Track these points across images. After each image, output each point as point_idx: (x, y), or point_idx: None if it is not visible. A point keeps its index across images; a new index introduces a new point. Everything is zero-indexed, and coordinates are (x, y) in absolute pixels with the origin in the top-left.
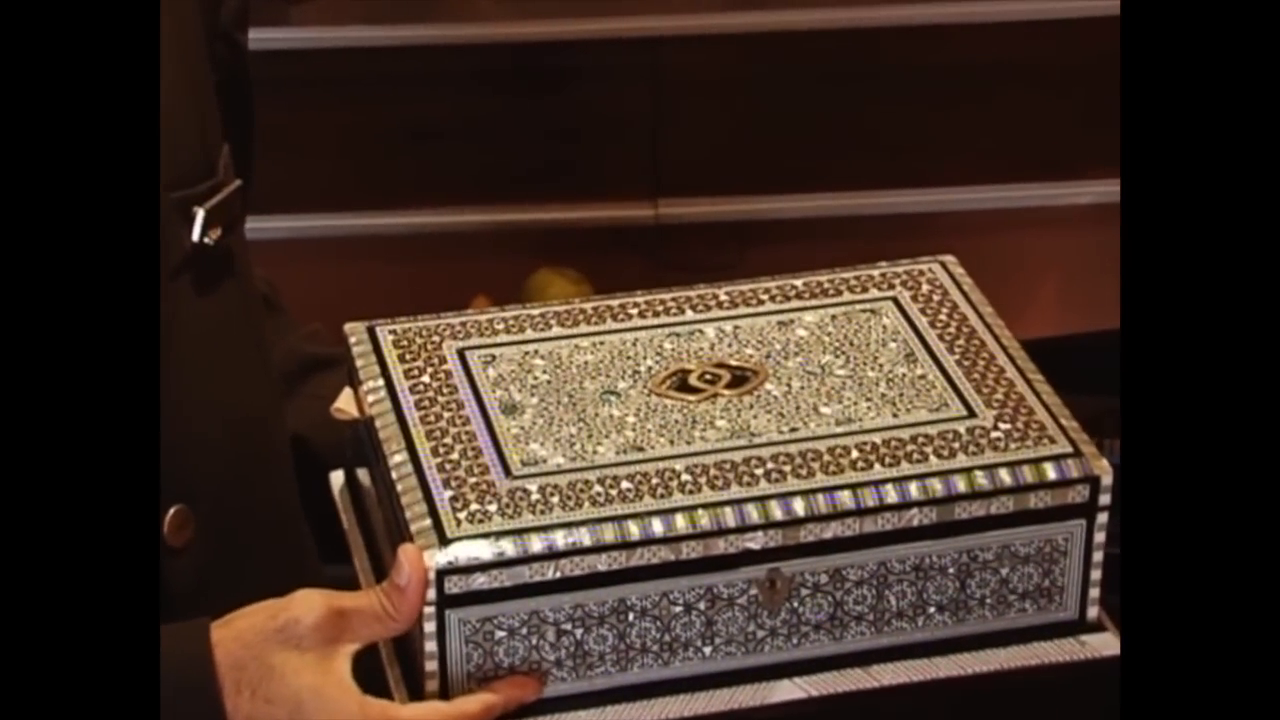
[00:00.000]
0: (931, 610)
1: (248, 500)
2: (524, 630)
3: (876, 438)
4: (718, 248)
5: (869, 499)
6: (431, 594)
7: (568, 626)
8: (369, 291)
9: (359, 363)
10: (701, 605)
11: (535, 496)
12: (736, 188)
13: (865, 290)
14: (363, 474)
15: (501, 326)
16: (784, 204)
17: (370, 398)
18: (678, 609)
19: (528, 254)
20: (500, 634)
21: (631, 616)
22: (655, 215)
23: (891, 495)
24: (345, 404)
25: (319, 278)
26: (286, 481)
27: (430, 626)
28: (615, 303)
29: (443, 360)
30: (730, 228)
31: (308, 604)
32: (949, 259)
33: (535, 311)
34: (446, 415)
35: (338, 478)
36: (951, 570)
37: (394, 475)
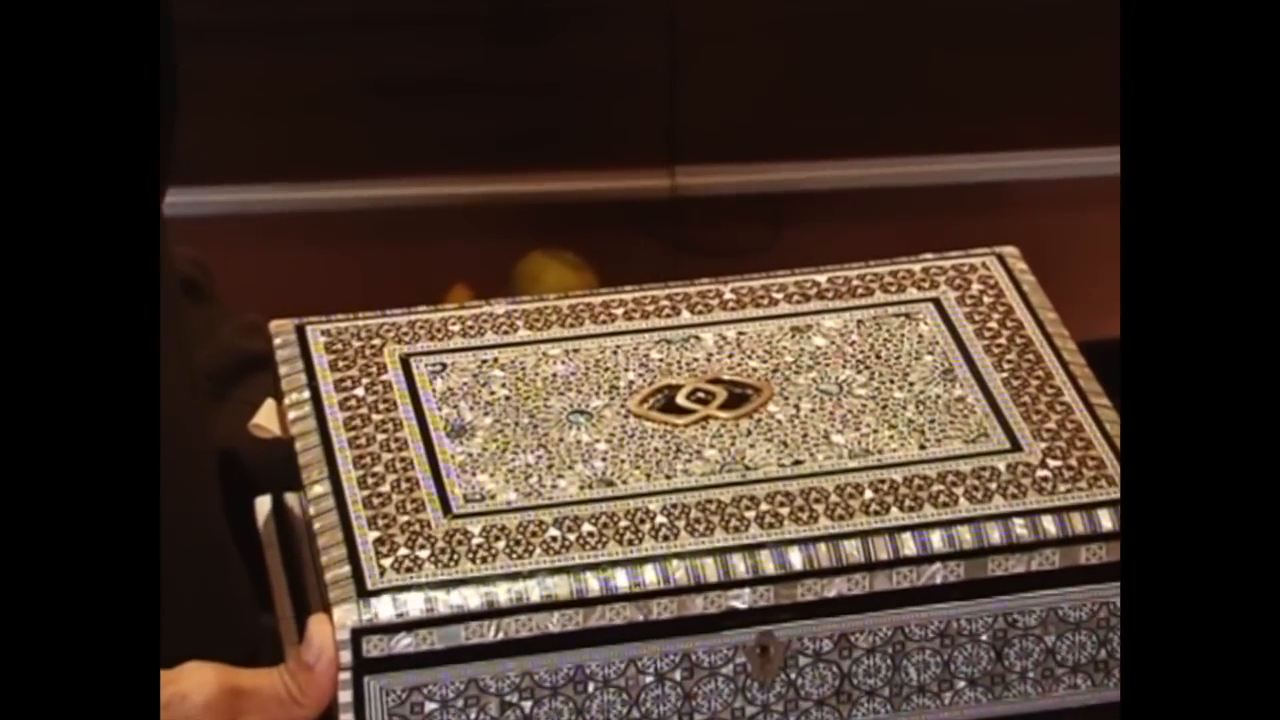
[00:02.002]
0: (960, 685)
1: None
2: (460, 703)
3: (896, 474)
4: (746, 227)
5: (882, 550)
6: (347, 657)
7: (513, 699)
8: (321, 279)
9: (282, 370)
10: (677, 675)
11: (477, 540)
12: (767, 154)
13: (902, 289)
14: (293, 500)
15: (457, 328)
16: (825, 173)
17: (293, 413)
18: (648, 679)
19: (517, 234)
20: (431, 706)
21: (591, 688)
22: (671, 187)
23: (910, 546)
24: (266, 419)
25: (261, 261)
26: (209, 506)
27: (346, 696)
28: (597, 300)
29: (382, 368)
30: (761, 202)
31: (198, 679)
32: (1009, 251)
33: (499, 310)
34: (380, 437)
35: (264, 505)
36: (985, 638)
37: (312, 510)
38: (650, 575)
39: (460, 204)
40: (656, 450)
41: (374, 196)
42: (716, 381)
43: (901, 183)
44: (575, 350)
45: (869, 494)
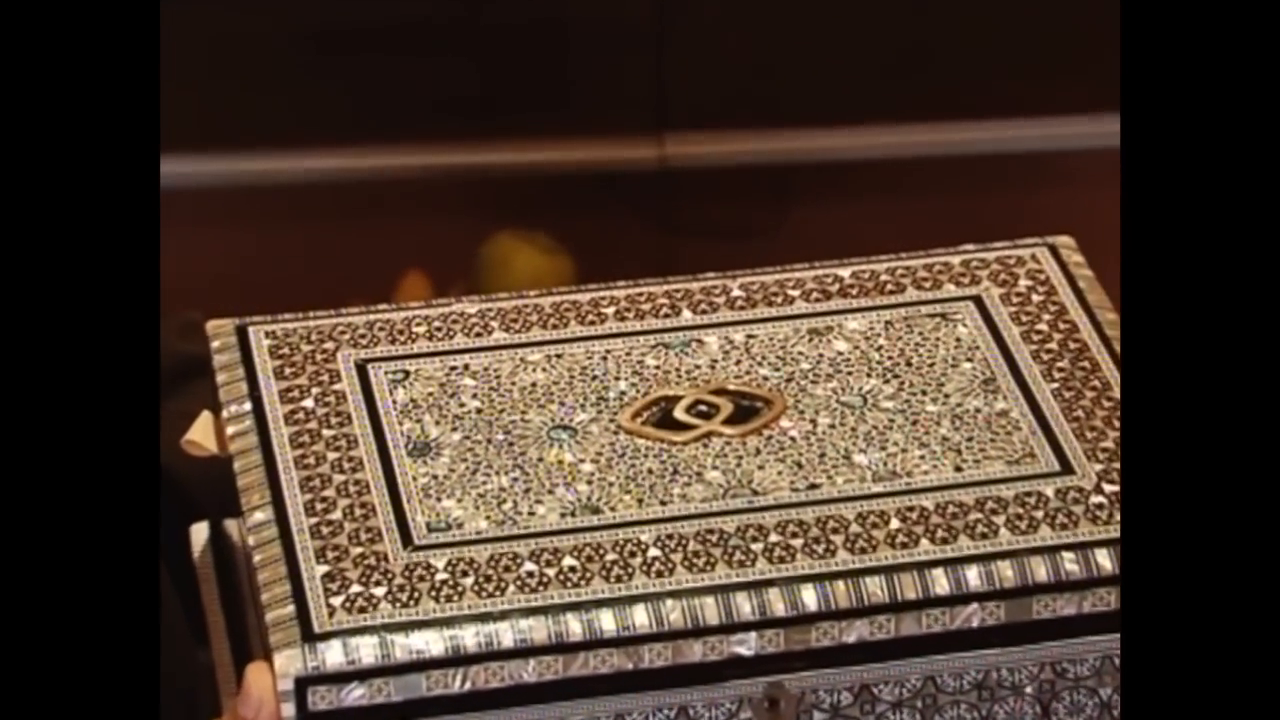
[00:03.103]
0: None
1: None
2: None
3: (928, 500)
4: (748, 205)
5: (910, 588)
6: (290, 710)
7: None
8: (253, 266)
9: (221, 378)
10: None
11: (442, 576)
12: (773, 119)
13: (937, 285)
14: (232, 527)
15: (422, 330)
16: (841, 141)
17: (232, 427)
18: None
19: (482, 214)
20: None
21: None
22: (661, 158)
23: (942, 584)
24: (202, 434)
25: (185, 246)
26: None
27: None
28: (584, 298)
29: (335, 376)
30: (765, 176)
31: None
32: (1063, 241)
33: (471, 309)
34: (332, 456)
35: (200, 532)
36: (1030, 690)
37: (252, 540)
38: (641, 616)
39: (414, 177)
40: (650, 472)
41: (316, 169)
42: (721, 392)
43: (934, 153)
44: (558, 356)
45: (895, 523)
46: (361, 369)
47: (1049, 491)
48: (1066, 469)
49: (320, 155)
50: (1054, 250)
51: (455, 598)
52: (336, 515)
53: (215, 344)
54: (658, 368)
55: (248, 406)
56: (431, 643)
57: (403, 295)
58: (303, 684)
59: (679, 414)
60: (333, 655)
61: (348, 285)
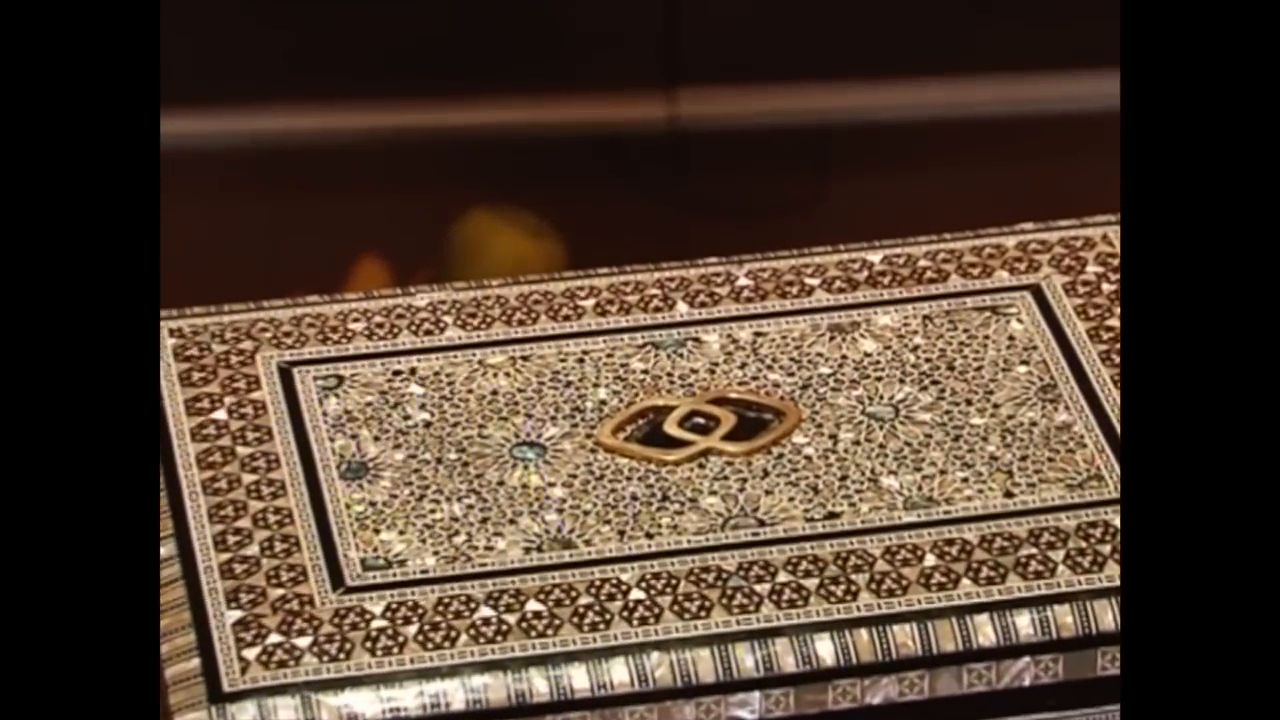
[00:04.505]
0: None
1: None
2: None
3: (971, 533)
4: (779, 176)
5: (949, 639)
6: None
7: None
8: (171, 248)
9: None
10: None
11: (379, 624)
12: (807, 70)
13: (987, 272)
14: None
15: (360, 326)
16: (888, 98)
17: None
18: None
19: (453, 186)
20: None
21: None
22: (672, 118)
23: (988, 633)
24: None
25: None
26: None
27: None
28: (558, 287)
29: (253, 383)
30: (797, 140)
31: None
32: None
33: (420, 301)
34: (248, 479)
35: None
36: None
37: None
38: (620, 673)
39: (369, 142)
40: (635, 498)
41: (241, 131)
42: (722, 402)
43: (993, 111)
44: (524, 358)
45: (931, 559)
46: (286, 374)
47: (1118, 522)
48: None
49: (252, 115)
50: None
51: (395, 650)
52: (253, 550)
53: None
54: (645, 372)
55: None
56: (366, 704)
57: (356, 288)
58: None
59: (670, 428)
60: (245, 718)
61: (284, 274)
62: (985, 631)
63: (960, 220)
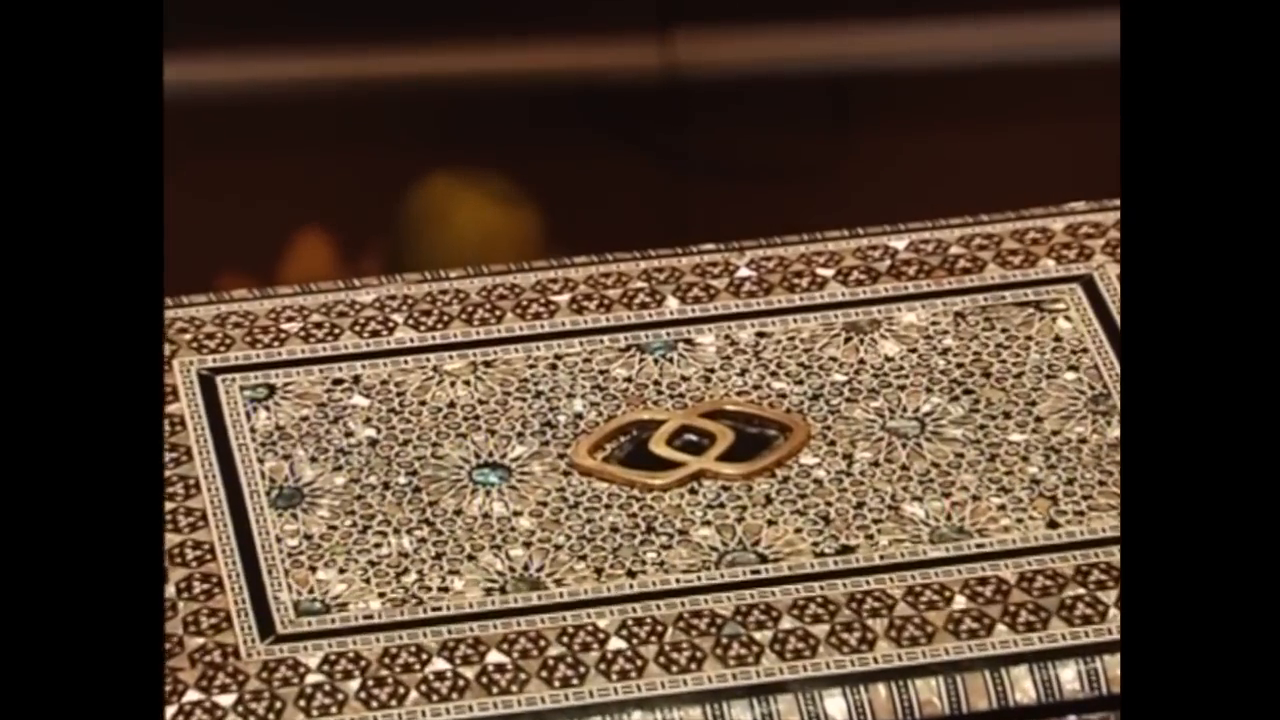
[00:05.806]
0: None
1: None
2: None
3: (1008, 570)
4: (791, 132)
5: (980, 694)
6: None
7: None
8: None
9: None
10: None
11: (315, 678)
12: (825, 8)
13: (1030, 260)
14: None
15: (294, 326)
16: (914, 41)
17: None
18: None
19: (411, 146)
20: None
21: None
22: (668, 65)
23: (1027, 687)
24: None
25: None
26: None
27: None
28: (526, 280)
29: (170, 393)
30: (815, 90)
31: None
32: None
33: (365, 296)
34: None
35: None
36: None
37: None
38: None
39: (317, 94)
40: (615, 530)
41: (170, 81)
42: (718, 415)
43: (1039, 56)
44: (487, 364)
45: (961, 602)
46: (207, 382)
47: None
48: None
49: (177, 63)
50: None
51: (333, 709)
52: (168, 591)
53: None
54: (629, 380)
55: None
56: None
57: (295, 265)
58: None
59: (657, 447)
60: None
61: (209, 252)
62: (1024, 686)
63: (1000, 189)
